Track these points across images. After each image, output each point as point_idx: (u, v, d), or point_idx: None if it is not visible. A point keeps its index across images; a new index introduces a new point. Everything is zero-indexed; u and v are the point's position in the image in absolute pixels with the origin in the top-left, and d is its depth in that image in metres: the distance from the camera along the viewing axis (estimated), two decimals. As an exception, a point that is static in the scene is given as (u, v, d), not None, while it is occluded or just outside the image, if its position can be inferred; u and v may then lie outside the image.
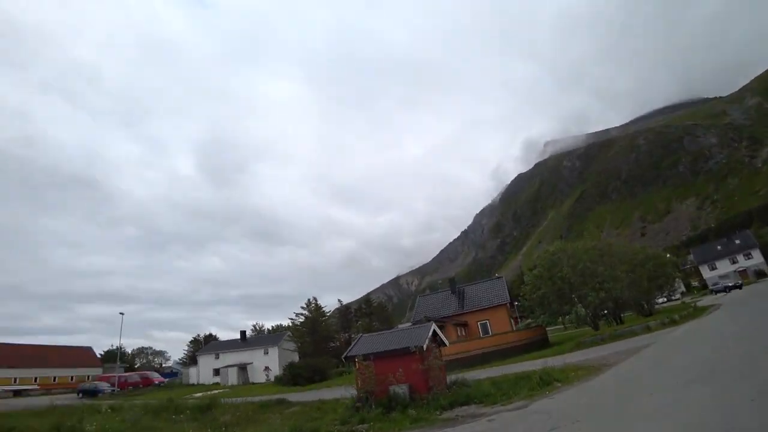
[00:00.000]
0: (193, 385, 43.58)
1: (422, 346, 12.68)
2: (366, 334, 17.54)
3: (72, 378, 48.74)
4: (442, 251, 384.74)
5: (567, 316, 36.11)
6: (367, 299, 65.94)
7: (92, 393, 33.79)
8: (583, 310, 32.08)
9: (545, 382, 11.67)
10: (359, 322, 58.01)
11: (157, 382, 41.38)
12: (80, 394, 34.25)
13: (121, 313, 39.28)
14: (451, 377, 14.59)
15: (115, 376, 38.56)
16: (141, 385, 38.44)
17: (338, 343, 50.81)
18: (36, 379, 45.63)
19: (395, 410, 11.39)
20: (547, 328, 38.17)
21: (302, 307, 48.74)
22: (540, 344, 30.93)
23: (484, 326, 35.84)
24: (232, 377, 43.20)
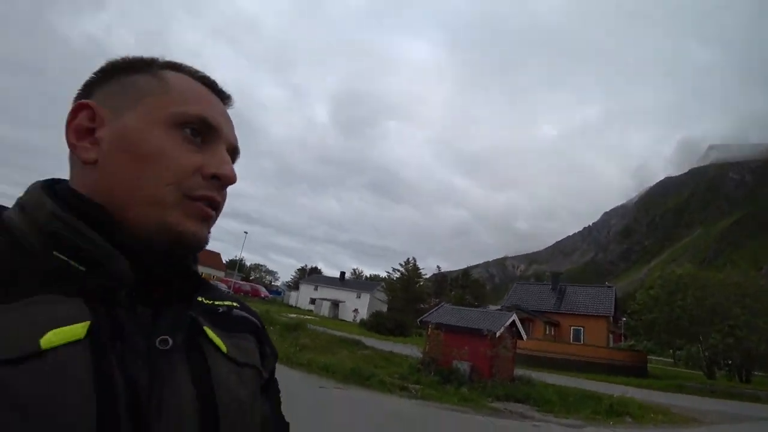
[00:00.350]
0: (291, 306, 48.93)
1: (494, 332, 12.66)
2: (448, 305, 17.93)
3: (203, 274, 58.05)
4: (557, 242, 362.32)
5: (678, 351, 32.08)
6: (465, 272, 65.64)
7: (212, 291, 40.19)
8: (700, 350, 28.11)
9: (615, 412, 10.86)
10: (453, 292, 58.39)
11: (263, 296, 47.27)
12: (205, 289, 40.86)
13: (245, 232, 45.51)
14: (519, 372, 14.39)
15: (231, 281, 45.13)
16: (250, 294, 44.22)
17: (427, 306, 52.13)
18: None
19: (451, 383, 11.73)
20: (651, 357, 34.47)
21: (400, 264, 50.74)
22: (636, 371, 27.64)
23: (577, 333, 33.89)
24: (325, 309, 47.49)
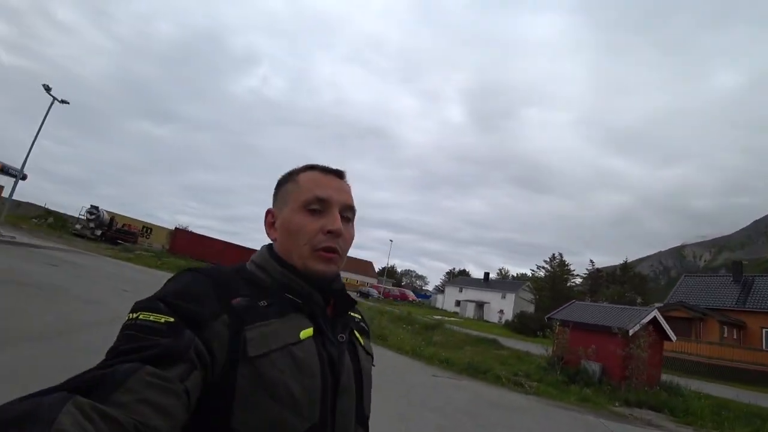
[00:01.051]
0: (437, 308, 50.66)
1: (627, 330, 11.92)
2: (579, 302, 17.12)
3: (357, 281, 64.15)
4: (756, 222, 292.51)
5: None
6: (625, 265, 58.80)
7: (365, 295, 44.06)
8: None
9: None
10: (609, 289, 53.07)
11: (410, 299, 50.07)
12: (358, 294, 45.19)
13: (390, 240, 48.93)
14: (669, 378, 13.08)
15: (381, 287, 49.02)
16: (399, 298, 47.43)
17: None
18: (336, 276, 62.27)
19: (577, 384, 11.47)
20: None
21: (545, 261, 48.34)
22: None
23: None
24: (469, 311, 48.01)
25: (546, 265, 48.47)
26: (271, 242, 0.94)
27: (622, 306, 16.44)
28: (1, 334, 5.02)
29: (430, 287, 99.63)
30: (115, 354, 0.60)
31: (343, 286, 0.94)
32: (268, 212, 0.96)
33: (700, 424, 9.30)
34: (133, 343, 0.62)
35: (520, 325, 34.00)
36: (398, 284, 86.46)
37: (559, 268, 47.61)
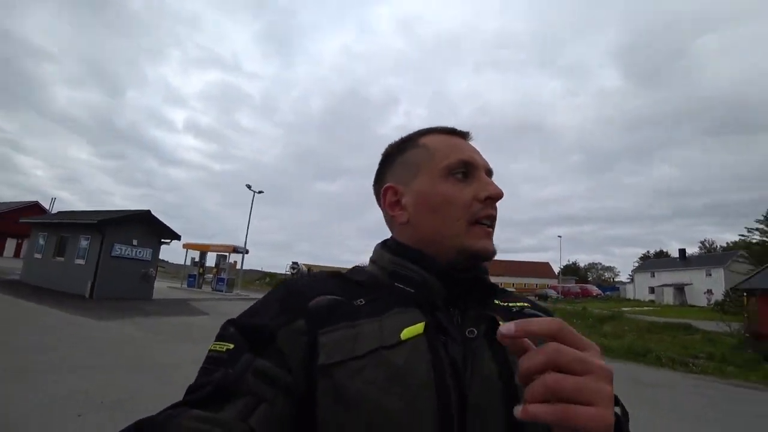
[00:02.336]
0: (628, 300, 45.62)
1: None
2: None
3: (536, 285, 62.19)
4: None
5: None
6: None
7: (544, 297, 42.92)
8: None
9: None
10: None
11: (594, 294, 46.36)
12: (537, 297, 44.24)
13: (559, 236, 47.00)
14: None
15: (560, 286, 46.83)
16: (581, 295, 44.51)
17: None
18: (513, 284, 61.60)
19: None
20: None
21: (757, 221, 39.41)
22: None
23: None
24: (668, 297, 41.96)
25: (761, 225, 39.35)
26: (387, 239, 0.78)
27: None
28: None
29: (622, 277, 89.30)
30: (185, 393, 0.54)
31: (483, 271, 0.72)
32: (388, 189, 0.75)
33: None
34: (199, 379, 0.55)
35: (733, 305, 28.77)
36: (582, 280, 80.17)
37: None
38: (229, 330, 0.61)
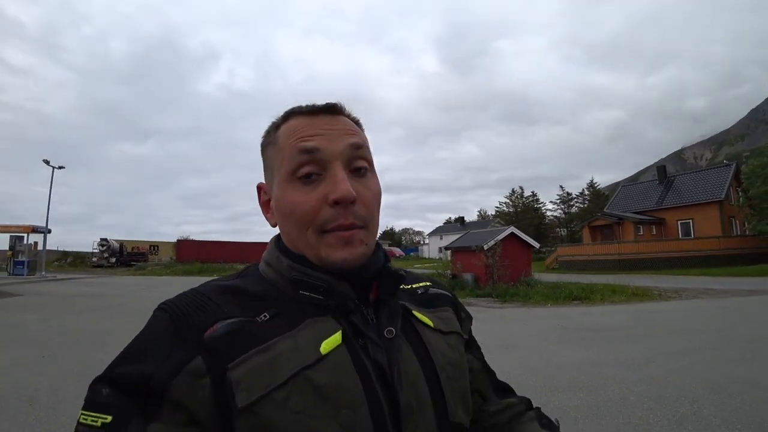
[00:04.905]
0: (424, 259, 56.33)
1: (482, 246, 17.03)
2: (473, 231, 22.25)
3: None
4: (753, 111, 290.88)
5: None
6: (591, 184, 63.51)
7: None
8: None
9: (577, 297, 13.00)
10: (574, 209, 58.30)
11: (397, 255, 55.73)
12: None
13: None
14: (534, 277, 18.04)
15: (371, 252, 54.74)
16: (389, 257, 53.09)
17: (536, 230, 53.20)
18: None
19: (463, 289, 16.68)
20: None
21: (505, 197, 53.46)
22: (756, 258, 25.00)
23: (686, 226, 31.88)
24: (448, 257, 53.62)
25: (507, 200, 53.76)
26: (278, 237, 0.69)
27: (489, 230, 21.41)
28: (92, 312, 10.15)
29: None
30: None
31: (385, 261, 0.65)
32: (259, 188, 0.69)
33: (523, 301, 13.60)
34: None
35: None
36: (397, 244, 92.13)
37: (521, 201, 52.80)
38: (101, 393, 0.49)
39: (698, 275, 21.25)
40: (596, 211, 41.50)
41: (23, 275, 22.26)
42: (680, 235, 31.46)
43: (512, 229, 18.23)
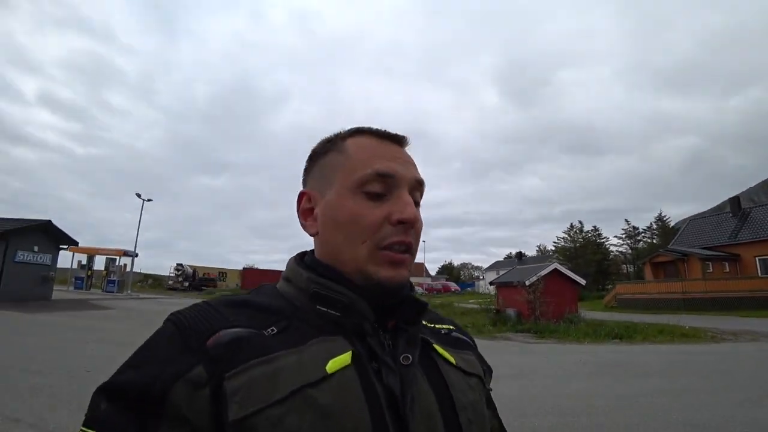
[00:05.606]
0: (480, 293, 55.42)
1: (524, 282, 17.26)
2: (519, 267, 22.32)
3: (414, 284, 70.40)
4: None
5: None
6: (660, 217, 59.84)
7: (410, 293, 50.66)
8: None
9: (614, 335, 12.93)
10: (641, 245, 55.15)
11: (452, 290, 55.52)
12: (404, 293, 51.73)
13: (423, 241, 54.61)
14: (580, 314, 17.83)
15: (424, 284, 55.07)
16: (442, 291, 53.04)
17: (598, 266, 50.71)
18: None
19: (504, 324, 16.97)
20: None
21: (563, 232, 51.90)
22: None
23: (765, 263, 29.00)
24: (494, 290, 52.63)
25: (566, 235, 52.16)
26: (303, 252, 0.68)
27: (533, 266, 21.40)
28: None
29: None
30: None
31: (411, 290, 0.64)
32: (303, 195, 0.67)
33: (555, 337, 13.64)
34: None
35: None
36: (455, 278, 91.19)
37: (581, 236, 51.07)
38: (99, 408, 0.48)
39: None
40: (665, 247, 39.23)
41: (113, 292, 25.74)
42: (759, 273, 28.82)
43: (556, 265, 18.33)
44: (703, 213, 57.00)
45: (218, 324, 0.53)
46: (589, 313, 21.14)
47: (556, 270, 18.07)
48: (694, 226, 36.85)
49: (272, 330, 0.54)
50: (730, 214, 34.58)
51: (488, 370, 0.75)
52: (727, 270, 30.14)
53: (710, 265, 30.25)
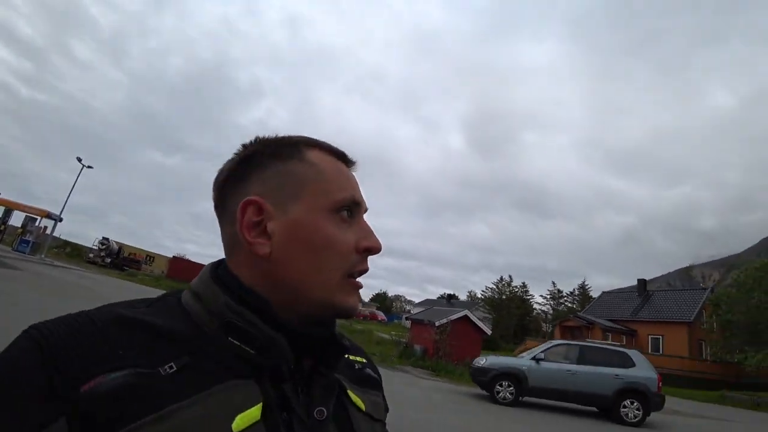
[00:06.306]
0: (404, 327, 56.73)
1: (434, 322, 18.44)
2: (436, 307, 23.66)
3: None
4: (764, 240, 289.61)
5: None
6: (582, 285, 64.31)
7: (338, 314, 51.02)
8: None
9: None
10: (562, 307, 58.98)
11: (380, 319, 56.39)
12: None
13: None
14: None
15: (354, 307, 55.81)
16: (369, 318, 53.76)
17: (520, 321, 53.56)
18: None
19: (409, 359, 17.88)
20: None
21: (493, 283, 54.83)
22: (725, 384, 25.13)
23: (656, 342, 32.70)
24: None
25: (493, 285, 55.13)
26: (218, 262, 0.57)
27: (447, 308, 22.88)
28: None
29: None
30: None
31: (334, 327, 0.58)
32: (251, 203, 0.53)
33: (447, 376, 14.78)
34: None
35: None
36: (387, 309, 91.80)
37: (507, 290, 54.17)
38: None
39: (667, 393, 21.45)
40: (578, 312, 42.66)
41: (25, 254, 23.88)
42: (650, 350, 31.79)
43: (466, 312, 19.73)
44: (623, 288, 61.87)
45: (100, 354, 0.41)
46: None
47: (466, 316, 19.42)
48: (606, 299, 40.35)
49: (170, 367, 0.43)
50: (636, 293, 38.12)
51: (386, 409, 0.69)
52: (624, 343, 32.86)
53: (610, 336, 32.96)
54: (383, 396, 0.69)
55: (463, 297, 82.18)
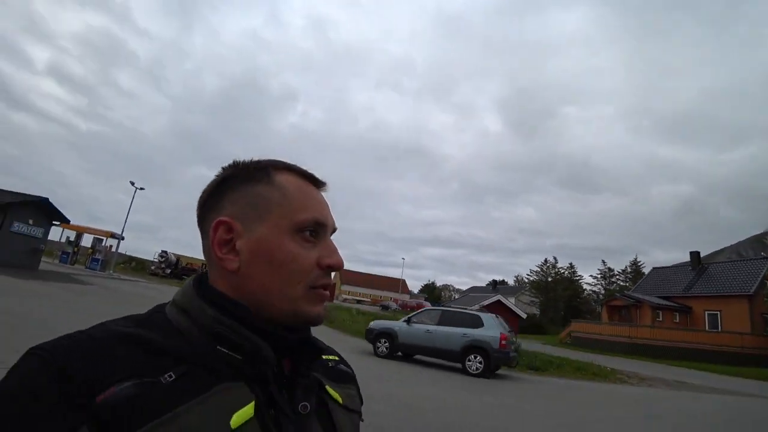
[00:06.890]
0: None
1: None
2: (471, 294, 24.02)
3: (380, 297, 71.83)
4: None
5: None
6: (634, 261, 61.79)
7: (385, 307, 51.99)
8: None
9: (596, 374, 14.11)
10: (615, 286, 57.10)
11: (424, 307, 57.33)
12: (380, 308, 53.29)
13: (402, 258, 56.07)
14: (522, 346, 19.35)
15: (399, 300, 56.89)
16: (415, 309, 54.63)
17: (569, 303, 52.45)
18: (369, 295, 71.04)
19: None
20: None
21: (537, 266, 53.92)
22: None
23: (713, 318, 30.28)
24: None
25: (538, 268, 54.19)
26: (199, 277, 0.63)
27: (481, 294, 23.15)
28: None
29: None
30: None
31: (309, 332, 0.65)
32: (221, 223, 0.60)
33: None
34: None
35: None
36: (436, 298, 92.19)
37: (553, 272, 53.07)
38: None
39: (719, 372, 20.27)
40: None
41: (96, 270, 27.10)
42: (707, 327, 30.11)
43: (499, 296, 20.12)
44: (676, 264, 58.87)
45: (109, 369, 0.46)
46: (535, 345, 22.63)
47: (499, 301, 19.90)
48: (656, 275, 38.43)
49: (170, 376, 0.49)
50: (690, 267, 35.97)
51: (361, 401, 0.75)
52: (677, 321, 31.51)
53: (660, 314, 31.60)
54: (358, 389, 0.76)
55: (510, 282, 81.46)
